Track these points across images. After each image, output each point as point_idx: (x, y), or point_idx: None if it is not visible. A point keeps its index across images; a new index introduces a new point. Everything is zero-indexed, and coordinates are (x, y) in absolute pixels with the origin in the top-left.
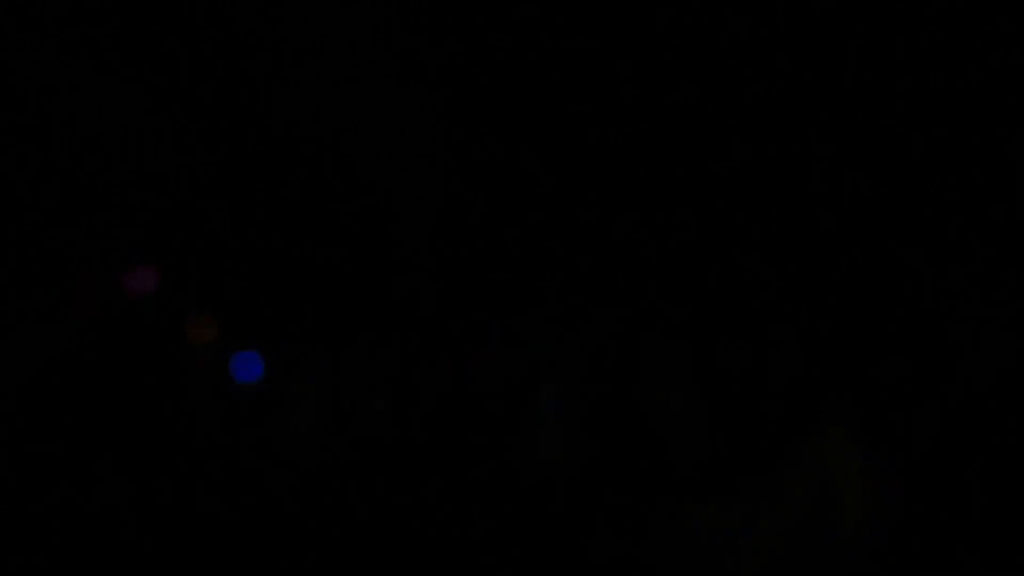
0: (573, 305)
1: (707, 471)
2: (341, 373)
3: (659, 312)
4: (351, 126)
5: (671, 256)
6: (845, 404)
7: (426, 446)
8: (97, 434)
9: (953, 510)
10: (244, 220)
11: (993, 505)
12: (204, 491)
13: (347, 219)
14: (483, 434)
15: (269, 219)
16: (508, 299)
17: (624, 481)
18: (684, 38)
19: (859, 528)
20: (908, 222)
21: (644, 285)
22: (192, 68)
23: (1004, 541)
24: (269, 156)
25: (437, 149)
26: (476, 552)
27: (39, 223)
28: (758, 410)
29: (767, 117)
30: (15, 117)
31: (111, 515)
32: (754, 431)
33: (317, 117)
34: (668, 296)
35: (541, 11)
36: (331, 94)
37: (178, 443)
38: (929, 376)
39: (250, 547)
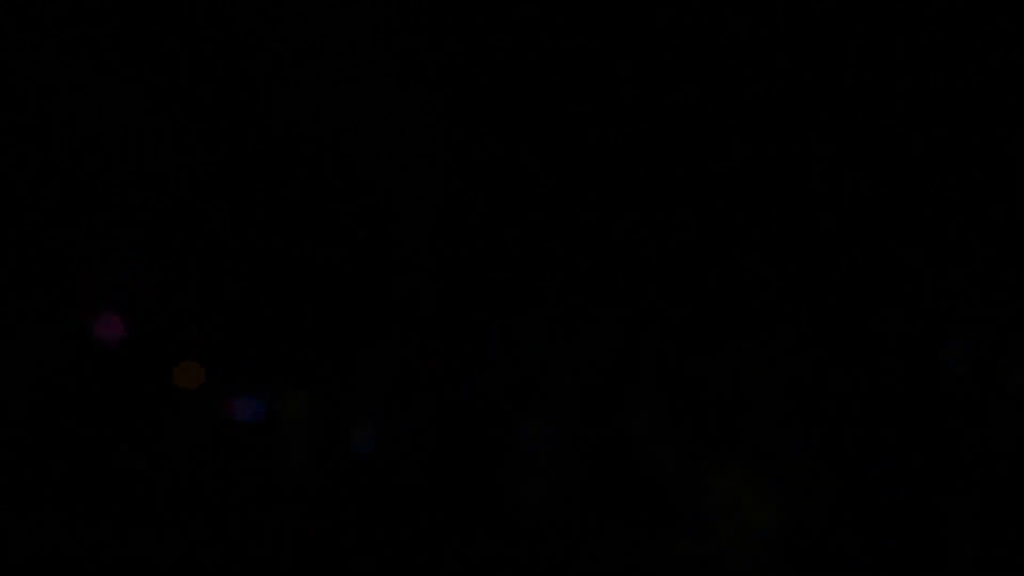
0: (562, 322)
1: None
2: (331, 399)
3: (649, 327)
4: (351, 126)
5: (664, 266)
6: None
7: (415, 471)
8: (89, 464)
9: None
10: (243, 222)
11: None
12: (201, 520)
13: (347, 219)
14: (472, 460)
15: (268, 221)
16: (500, 312)
17: (612, 507)
18: (684, 38)
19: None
20: (908, 222)
21: (638, 293)
22: (192, 68)
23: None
24: (269, 156)
25: (437, 149)
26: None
27: (39, 223)
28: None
29: (767, 117)
30: (15, 117)
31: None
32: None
33: (317, 117)
34: (661, 309)
35: (541, 11)
36: (332, 94)
37: (170, 476)
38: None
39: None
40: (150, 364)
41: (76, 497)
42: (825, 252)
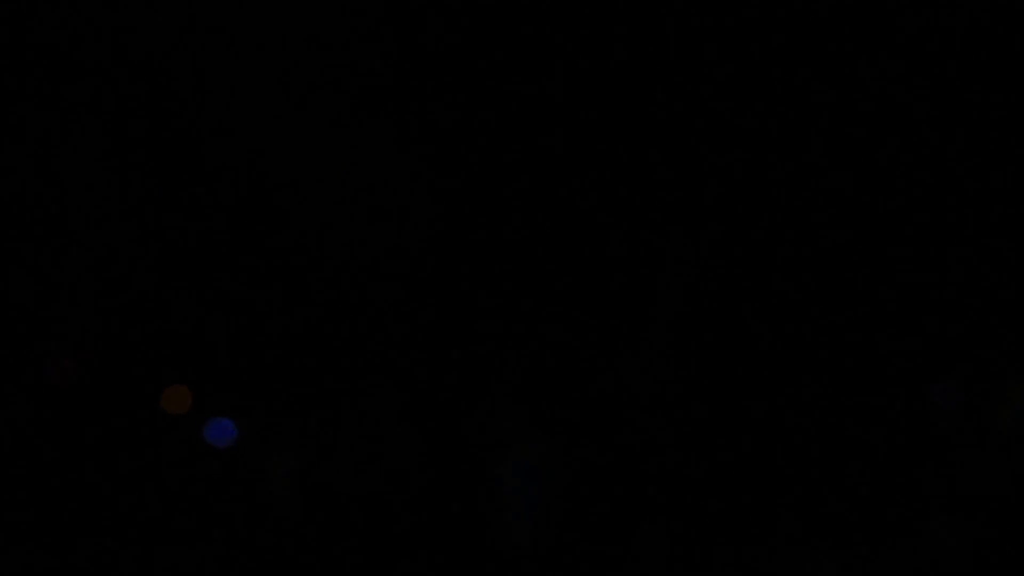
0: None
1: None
2: (314, 438)
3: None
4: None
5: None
6: None
7: (398, 510)
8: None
9: None
10: (222, 277)
11: None
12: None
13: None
14: (454, 499)
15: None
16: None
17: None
18: (684, 37)
19: None
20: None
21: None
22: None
23: None
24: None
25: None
26: None
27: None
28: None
29: (767, 117)
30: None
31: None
32: None
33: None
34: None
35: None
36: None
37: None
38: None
39: None
40: (139, 390)
41: (63, 519)
42: (820, 277)
